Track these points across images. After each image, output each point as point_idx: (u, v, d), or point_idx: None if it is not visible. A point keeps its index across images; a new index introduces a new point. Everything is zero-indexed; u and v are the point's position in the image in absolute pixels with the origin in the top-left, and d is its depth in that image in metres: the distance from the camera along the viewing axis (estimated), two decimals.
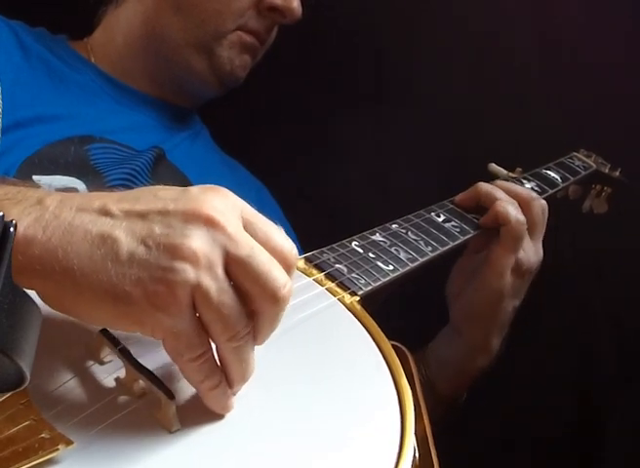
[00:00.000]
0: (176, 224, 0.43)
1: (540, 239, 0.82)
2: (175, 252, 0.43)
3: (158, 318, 0.43)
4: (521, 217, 0.78)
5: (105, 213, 0.44)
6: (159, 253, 0.43)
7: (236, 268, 0.44)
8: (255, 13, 0.90)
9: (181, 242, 0.43)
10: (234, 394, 0.48)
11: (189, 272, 0.42)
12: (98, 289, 0.42)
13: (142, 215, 0.44)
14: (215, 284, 0.43)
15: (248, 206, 0.47)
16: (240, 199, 0.47)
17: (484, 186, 0.82)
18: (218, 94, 0.96)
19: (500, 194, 0.80)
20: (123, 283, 0.42)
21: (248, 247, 0.44)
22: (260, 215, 0.47)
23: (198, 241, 0.43)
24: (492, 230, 0.80)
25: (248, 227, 0.46)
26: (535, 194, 0.84)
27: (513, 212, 0.78)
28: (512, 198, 0.80)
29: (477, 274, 0.80)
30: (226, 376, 0.47)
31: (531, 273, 0.81)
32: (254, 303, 0.45)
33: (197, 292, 0.43)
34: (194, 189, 0.46)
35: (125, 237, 0.43)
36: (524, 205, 0.80)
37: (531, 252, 0.80)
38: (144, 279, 0.42)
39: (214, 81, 0.92)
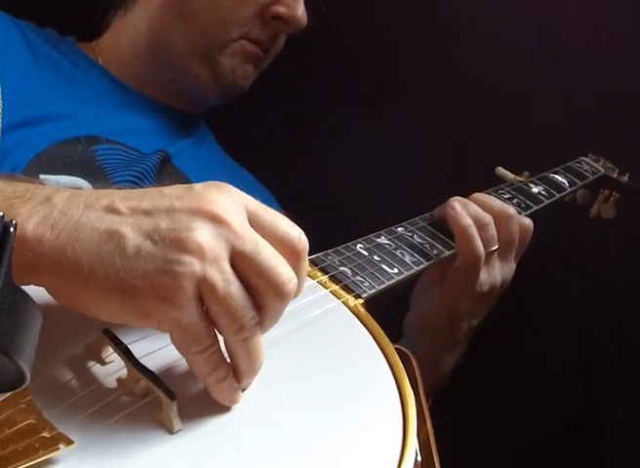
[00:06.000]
0: (181, 220, 0.44)
1: (513, 257, 0.78)
2: (180, 245, 0.43)
3: (165, 310, 0.43)
4: (479, 250, 0.74)
5: (112, 210, 0.45)
6: (165, 247, 0.43)
7: (242, 263, 0.45)
8: (259, 21, 0.89)
9: (187, 236, 0.43)
10: (244, 388, 0.48)
11: (195, 264, 0.43)
12: (105, 283, 0.43)
13: (148, 212, 0.45)
14: (221, 276, 0.44)
15: (252, 199, 0.48)
16: (243, 193, 0.48)
17: (455, 204, 0.76)
18: (221, 101, 0.96)
19: (466, 220, 0.75)
20: (130, 276, 0.43)
21: (253, 242, 0.45)
22: (265, 207, 0.48)
23: (204, 235, 0.44)
24: None
25: (253, 220, 0.46)
26: (513, 210, 0.79)
27: (471, 243, 0.74)
28: (487, 212, 0.76)
29: (435, 287, 0.78)
30: (235, 369, 0.47)
31: (495, 292, 0.78)
32: (259, 298, 0.46)
33: (203, 284, 0.43)
34: (198, 187, 0.47)
35: (131, 233, 0.44)
36: (497, 220, 0.76)
37: (495, 272, 0.77)
38: (151, 272, 0.43)
39: (216, 89, 0.92)
